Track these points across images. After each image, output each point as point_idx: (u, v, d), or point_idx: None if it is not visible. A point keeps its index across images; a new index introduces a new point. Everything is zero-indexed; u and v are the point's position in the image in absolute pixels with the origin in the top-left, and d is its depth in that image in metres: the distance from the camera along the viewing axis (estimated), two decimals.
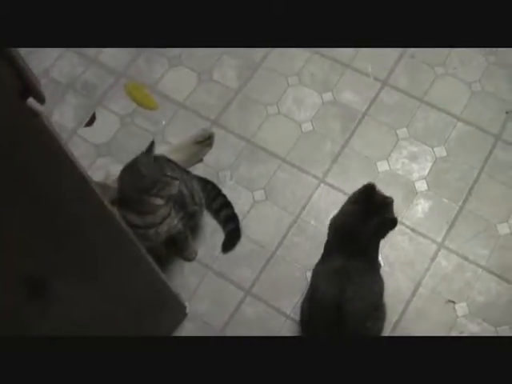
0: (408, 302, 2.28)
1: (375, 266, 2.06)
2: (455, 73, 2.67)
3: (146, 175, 1.99)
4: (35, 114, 1.19)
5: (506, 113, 2.58)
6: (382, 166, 2.50)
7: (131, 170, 2.05)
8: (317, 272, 2.09)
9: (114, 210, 1.72)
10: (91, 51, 2.82)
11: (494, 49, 2.70)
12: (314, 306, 2.05)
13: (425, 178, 2.46)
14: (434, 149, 2.52)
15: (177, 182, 2.04)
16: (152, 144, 2.07)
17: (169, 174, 2.03)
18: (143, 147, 2.07)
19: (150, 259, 1.96)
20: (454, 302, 2.29)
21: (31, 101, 1.19)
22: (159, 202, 2.04)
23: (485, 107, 2.60)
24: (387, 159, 2.51)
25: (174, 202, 2.12)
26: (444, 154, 2.51)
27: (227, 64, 2.75)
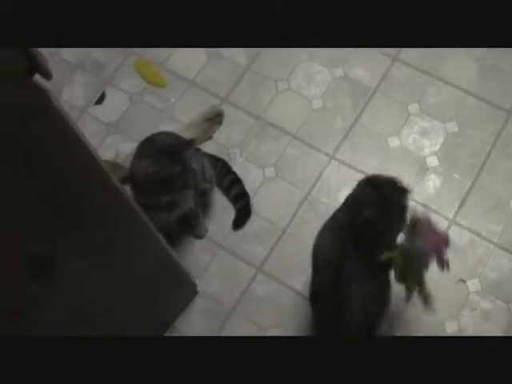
0: None
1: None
2: (467, 49, 2.63)
3: (166, 177, 2.01)
4: (41, 90, 1.19)
5: None
6: (393, 142, 2.48)
7: (156, 161, 2.03)
8: (320, 234, 2.07)
9: (124, 189, 1.72)
10: None
11: None
12: (317, 266, 2.04)
13: (436, 154, 2.44)
14: (446, 124, 2.50)
15: (189, 191, 2.08)
16: (189, 145, 2.09)
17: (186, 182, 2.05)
18: (153, 125, 2.07)
19: (161, 237, 1.96)
20: (464, 281, 2.28)
21: (38, 77, 1.19)
22: (166, 198, 2.05)
23: (497, 82, 2.57)
24: (398, 135, 2.49)
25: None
26: (456, 129, 2.48)
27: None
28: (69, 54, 2.77)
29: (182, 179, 2.04)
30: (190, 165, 2.06)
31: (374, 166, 2.42)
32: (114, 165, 2.40)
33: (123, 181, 2.04)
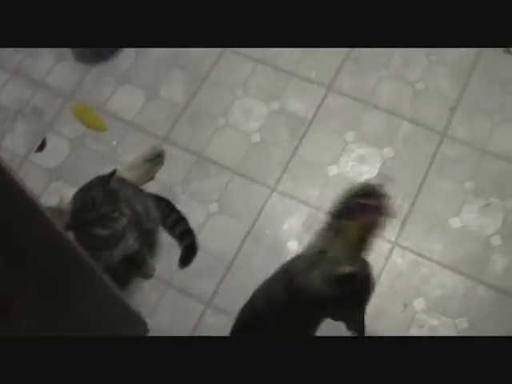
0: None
1: None
2: (398, 74, 2.72)
3: (94, 208, 2.01)
4: None
5: (450, 109, 2.63)
6: (332, 171, 2.53)
7: (83, 196, 2.06)
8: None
9: (68, 234, 1.74)
10: (38, 74, 2.84)
11: (435, 48, 2.75)
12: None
13: (373, 179, 2.51)
14: (382, 150, 2.56)
15: (124, 219, 2.05)
16: (113, 173, 2.07)
17: (119, 209, 2.04)
18: (95, 169, 2.09)
19: (108, 280, 1.97)
20: (406, 306, 2.33)
21: None
22: (104, 232, 2.05)
23: (429, 105, 2.65)
24: (336, 163, 2.54)
25: (128, 221, 2.13)
26: (392, 154, 2.55)
27: (174, 79, 2.78)
28: (7, 100, 2.79)
29: (109, 208, 2.04)
30: (118, 194, 2.07)
31: (315, 196, 2.47)
32: (59, 211, 2.40)
33: (67, 226, 2.06)
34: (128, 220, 2.07)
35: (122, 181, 2.28)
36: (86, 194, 2.05)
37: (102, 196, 2.02)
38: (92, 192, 2.03)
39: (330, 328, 2.04)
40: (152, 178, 2.56)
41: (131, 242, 2.16)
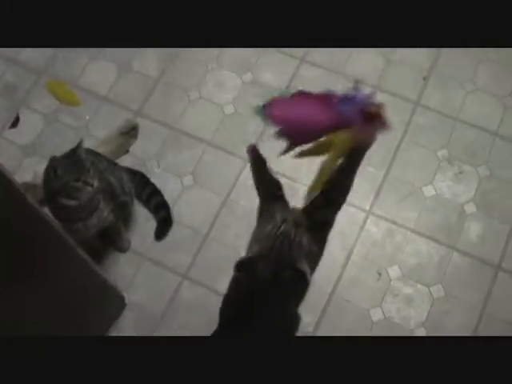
0: (342, 271, 2.33)
1: None
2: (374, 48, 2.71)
3: (57, 177, 1.99)
4: None
5: (423, 78, 2.64)
6: None
7: (47, 169, 2.04)
8: None
9: (42, 209, 1.73)
10: (10, 52, 2.81)
11: None
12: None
13: None
14: None
15: (89, 188, 2.02)
16: (78, 145, 2.06)
17: (83, 178, 2.00)
18: (69, 144, 2.08)
19: (84, 254, 1.97)
20: (380, 274, 2.35)
21: None
22: (71, 203, 2.04)
23: (403, 76, 2.66)
24: None
25: (103, 194, 2.13)
26: None
27: (146, 53, 2.76)
28: None
29: (71, 177, 2.00)
30: (84, 164, 2.03)
31: (289, 166, 2.47)
32: (33, 186, 2.39)
33: (43, 202, 2.06)
34: (98, 190, 2.05)
35: (96, 154, 2.28)
36: (51, 165, 2.03)
37: (64, 166, 1.99)
38: (55, 162, 2.01)
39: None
40: (126, 152, 2.56)
41: (106, 214, 2.15)
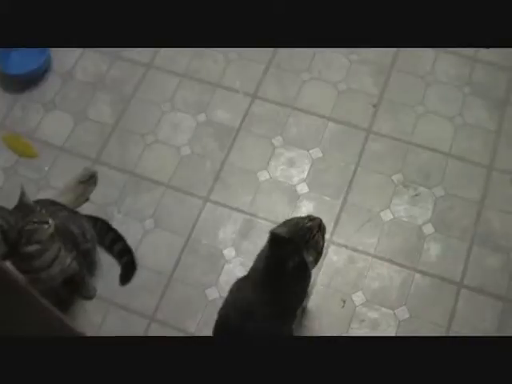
0: (306, 301, 2.36)
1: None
2: (320, 76, 2.78)
3: (11, 227, 2.00)
4: None
5: (373, 106, 2.70)
6: (263, 176, 2.58)
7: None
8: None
9: (5, 263, 1.74)
10: None
11: (355, 49, 2.82)
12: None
13: (305, 181, 2.56)
14: (310, 151, 2.62)
15: (45, 226, 2.03)
16: (22, 191, 2.08)
17: (34, 219, 2.02)
18: (30, 195, 2.09)
19: (49, 304, 1.97)
20: (344, 301, 2.38)
21: None
22: (34, 247, 2.06)
23: (352, 104, 2.72)
24: (266, 169, 2.60)
25: (64, 242, 2.15)
26: (320, 155, 2.61)
27: (101, 101, 2.80)
28: None
29: (24, 221, 2.02)
30: (32, 207, 2.06)
31: (248, 202, 2.52)
32: None
33: (4, 256, 2.07)
34: (57, 234, 2.09)
35: (56, 204, 2.30)
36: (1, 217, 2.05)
37: (15, 215, 2.02)
38: (4, 214, 2.03)
39: None
40: (87, 200, 2.58)
41: (68, 262, 2.17)
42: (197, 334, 2.31)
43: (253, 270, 2.09)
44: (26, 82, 2.86)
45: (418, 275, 2.40)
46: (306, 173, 2.58)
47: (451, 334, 2.29)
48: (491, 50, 2.78)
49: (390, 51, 2.81)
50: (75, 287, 2.38)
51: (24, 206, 2.05)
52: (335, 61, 2.81)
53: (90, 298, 2.42)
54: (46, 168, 2.67)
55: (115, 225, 2.48)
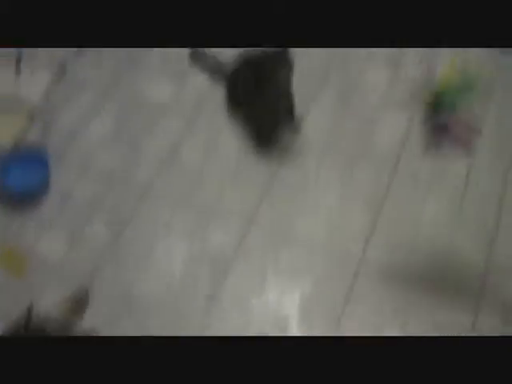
0: None
1: None
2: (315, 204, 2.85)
3: None
4: None
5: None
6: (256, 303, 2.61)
7: None
8: None
9: None
10: None
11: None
12: None
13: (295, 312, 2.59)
14: (301, 281, 2.66)
15: None
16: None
17: None
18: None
19: None
20: None
21: None
22: None
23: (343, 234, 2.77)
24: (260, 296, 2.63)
25: None
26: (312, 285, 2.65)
27: (97, 221, 2.86)
28: None
29: None
30: None
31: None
32: None
33: None
34: None
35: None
36: None
37: None
38: None
39: None
40: (81, 319, 2.59)
41: None
42: None
43: None
44: (25, 198, 2.92)
45: None
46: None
47: None
48: None
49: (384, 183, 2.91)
50: None
51: None
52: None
53: None
54: (37, 287, 2.69)
55: None
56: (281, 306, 2.60)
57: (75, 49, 3.38)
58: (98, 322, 2.58)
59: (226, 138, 2.98)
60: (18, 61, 3.32)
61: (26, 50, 3.31)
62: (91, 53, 3.37)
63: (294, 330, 2.54)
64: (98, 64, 3.37)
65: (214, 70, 3.13)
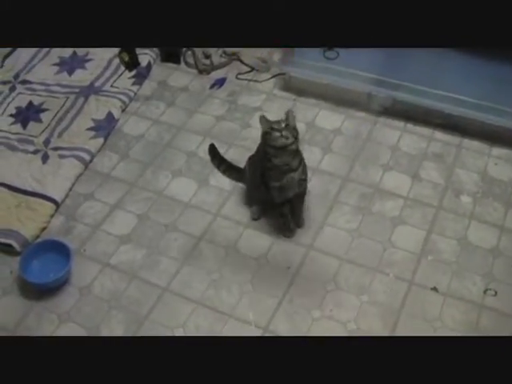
0: None
1: None
2: (331, 315, 2.84)
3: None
4: None
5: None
6: None
7: None
8: None
9: None
10: None
11: (367, 288, 2.93)
12: None
13: None
14: None
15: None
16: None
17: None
18: None
19: None
20: None
21: None
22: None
23: None
24: None
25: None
26: None
27: (114, 319, 2.84)
28: None
29: None
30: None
31: None
32: None
33: None
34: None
35: None
36: None
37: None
38: None
39: None
40: None
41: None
42: None
43: None
44: (44, 291, 2.93)
45: None
46: None
47: None
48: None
49: (401, 290, 2.91)
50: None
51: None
52: (346, 300, 2.89)
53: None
54: None
55: None
56: None
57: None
58: None
59: None
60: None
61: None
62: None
63: None
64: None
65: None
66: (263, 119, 2.85)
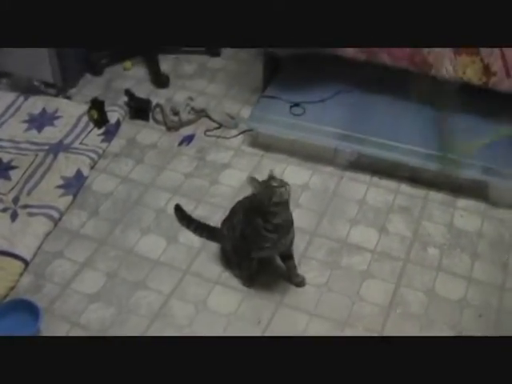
0: None
1: None
2: None
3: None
4: None
5: None
6: None
7: None
8: None
9: None
10: None
11: None
12: None
13: None
14: None
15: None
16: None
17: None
18: None
19: None
20: None
21: None
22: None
23: None
24: None
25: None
26: None
27: None
28: None
29: None
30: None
31: None
32: None
33: None
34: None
35: None
36: None
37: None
38: None
39: None
40: None
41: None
42: None
43: None
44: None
45: None
46: None
47: None
48: None
49: None
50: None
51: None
52: None
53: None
54: None
55: None
56: None
57: None
58: None
59: None
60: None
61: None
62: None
63: None
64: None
65: None
66: (254, 181, 2.78)
